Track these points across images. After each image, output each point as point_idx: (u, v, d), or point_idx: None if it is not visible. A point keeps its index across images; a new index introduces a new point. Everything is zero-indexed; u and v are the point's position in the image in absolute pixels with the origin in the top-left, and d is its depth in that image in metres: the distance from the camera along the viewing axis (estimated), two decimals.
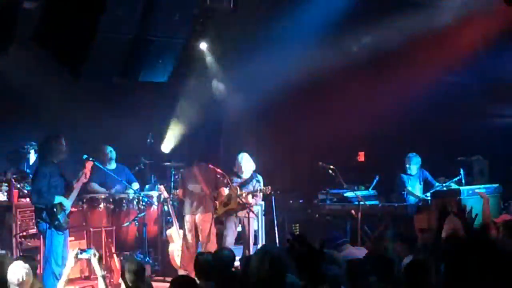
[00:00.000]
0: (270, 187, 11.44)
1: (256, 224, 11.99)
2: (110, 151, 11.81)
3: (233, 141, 13.94)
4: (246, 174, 11.56)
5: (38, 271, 8.49)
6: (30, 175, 10.46)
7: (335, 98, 13.08)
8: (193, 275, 10.89)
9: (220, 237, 11.33)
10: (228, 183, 11.14)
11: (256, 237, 11.97)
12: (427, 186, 12.25)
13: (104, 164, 11.45)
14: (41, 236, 9.75)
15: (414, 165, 12.24)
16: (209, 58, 13.41)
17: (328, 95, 13.19)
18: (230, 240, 11.28)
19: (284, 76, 12.53)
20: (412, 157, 12.24)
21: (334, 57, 12.59)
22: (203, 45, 13.27)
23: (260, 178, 11.69)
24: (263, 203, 12.20)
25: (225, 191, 11.19)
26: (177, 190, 11.44)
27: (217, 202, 11.20)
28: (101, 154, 11.61)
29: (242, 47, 12.92)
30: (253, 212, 11.45)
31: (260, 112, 13.50)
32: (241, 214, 11.36)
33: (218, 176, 11.07)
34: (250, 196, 11.39)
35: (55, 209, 9.40)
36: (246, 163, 11.55)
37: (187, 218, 11.01)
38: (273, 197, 12.10)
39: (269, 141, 13.55)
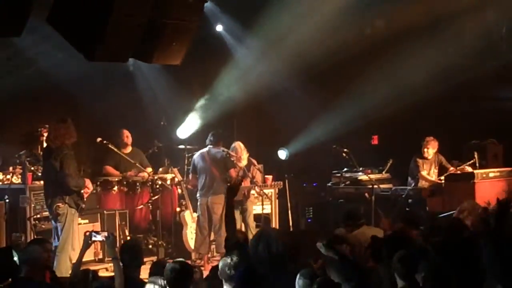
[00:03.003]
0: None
1: (269, 208, 12.01)
2: (127, 136, 11.75)
3: (247, 124, 13.91)
4: (243, 162, 11.51)
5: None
6: None
7: (349, 81, 13.03)
8: (205, 258, 11.01)
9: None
10: (237, 165, 11.12)
11: (269, 220, 11.95)
12: (441, 170, 12.20)
13: (120, 148, 11.45)
14: (56, 221, 9.27)
15: (431, 149, 12.15)
16: (222, 41, 13.38)
17: (342, 78, 13.14)
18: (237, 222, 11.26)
19: (299, 60, 12.49)
20: (430, 141, 12.14)
21: (350, 40, 12.53)
22: (219, 27, 13.24)
23: (255, 162, 11.68)
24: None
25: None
26: (190, 175, 11.43)
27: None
28: (117, 138, 11.59)
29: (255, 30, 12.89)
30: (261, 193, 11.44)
31: (273, 96, 13.46)
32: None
33: (231, 158, 11.06)
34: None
35: (82, 192, 9.35)
36: (243, 151, 11.48)
37: (200, 201, 11.02)
38: (286, 180, 12.12)
39: (282, 124, 13.53)
